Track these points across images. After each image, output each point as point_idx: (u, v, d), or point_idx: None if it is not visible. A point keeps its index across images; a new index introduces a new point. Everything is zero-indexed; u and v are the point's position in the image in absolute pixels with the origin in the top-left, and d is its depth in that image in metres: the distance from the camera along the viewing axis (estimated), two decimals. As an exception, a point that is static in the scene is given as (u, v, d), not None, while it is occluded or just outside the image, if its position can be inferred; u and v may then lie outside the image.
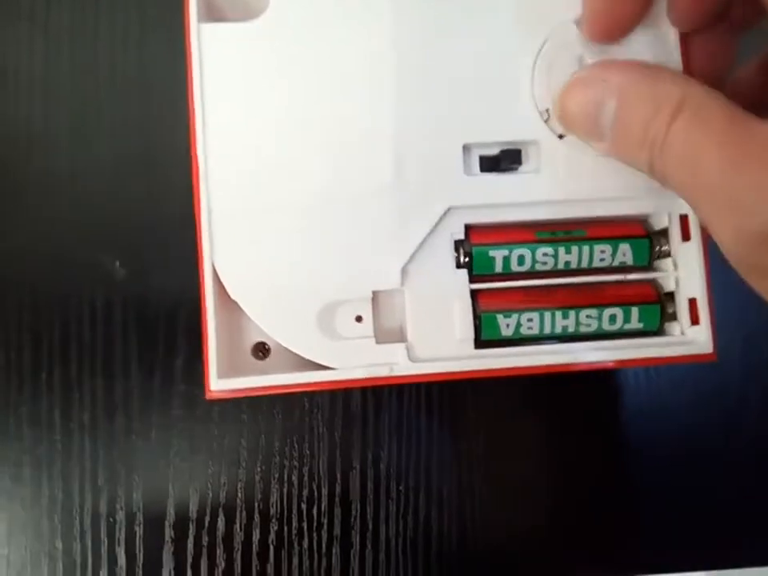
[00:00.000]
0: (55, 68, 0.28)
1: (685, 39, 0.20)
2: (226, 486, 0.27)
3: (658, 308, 0.21)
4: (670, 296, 0.21)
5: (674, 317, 0.21)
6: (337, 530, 0.28)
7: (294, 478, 0.28)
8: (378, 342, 0.20)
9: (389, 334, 0.21)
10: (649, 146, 0.17)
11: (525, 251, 0.20)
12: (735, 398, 0.28)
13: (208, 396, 0.19)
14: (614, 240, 0.21)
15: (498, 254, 0.20)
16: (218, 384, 0.19)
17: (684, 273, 0.21)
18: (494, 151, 0.21)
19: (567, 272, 0.21)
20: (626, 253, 0.21)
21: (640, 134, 0.17)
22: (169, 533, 0.27)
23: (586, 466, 0.28)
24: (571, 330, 0.20)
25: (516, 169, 0.20)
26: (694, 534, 0.28)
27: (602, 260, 0.21)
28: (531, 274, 0.21)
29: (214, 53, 0.20)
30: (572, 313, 0.20)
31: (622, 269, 0.21)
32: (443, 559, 0.28)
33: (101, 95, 0.28)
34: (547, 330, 0.20)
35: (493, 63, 0.20)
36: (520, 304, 0.20)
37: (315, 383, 0.19)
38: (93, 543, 0.27)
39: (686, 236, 0.20)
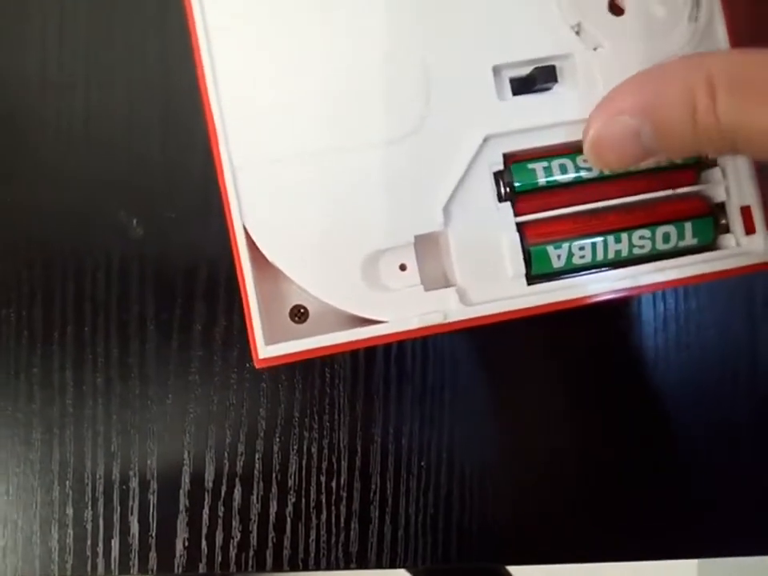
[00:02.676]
0: (72, 14, 0.27)
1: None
2: (243, 456, 0.26)
3: (711, 220, 0.20)
4: (721, 207, 0.20)
5: (726, 228, 0.20)
6: (356, 505, 0.27)
7: (314, 450, 0.27)
8: (426, 290, 0.19)
9: (436, 280, 0.20)
10: (707, 139, 0.16)
11: (565, 160, 0.19)
12: None
13: (257, 365, 0.18)
14: None
15: (537, 166, 0.19)
16: (267, 351, 0.18)
17: (734, 181, 0.20)
18: (524, 72, 0.20)
19: (614, 181, 0.20)
20: None
21: (691, 135, 0.16)
22: (183, 502, 0.26)
23: (617, 441, 0.27)
24: (624, 253, 0.20)
25: (551, 88, 0.19)
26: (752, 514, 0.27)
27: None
28: (577, 191, 0.20)
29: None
30: (624, 235, 0.20)
31: (670, 174, 0.20)
32: (463, 537, 0.27)
33: (118, 43, 0.27)
34: (600, 257, 0.19)
35: None
36: (569, 232, 0.19)
37: (368, 339, 0.18)
38: (105, 511, 0.26)
39: None
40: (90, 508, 0.26)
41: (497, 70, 0.19)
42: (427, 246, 0.20)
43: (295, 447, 0.27)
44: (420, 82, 0.19)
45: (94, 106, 0.26)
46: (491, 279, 0.19)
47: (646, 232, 0.20)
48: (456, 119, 0.19)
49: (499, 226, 0.19)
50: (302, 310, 0.20)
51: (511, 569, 0.57)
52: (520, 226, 0.19)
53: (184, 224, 0.26)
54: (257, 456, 0.26)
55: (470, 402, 0.27)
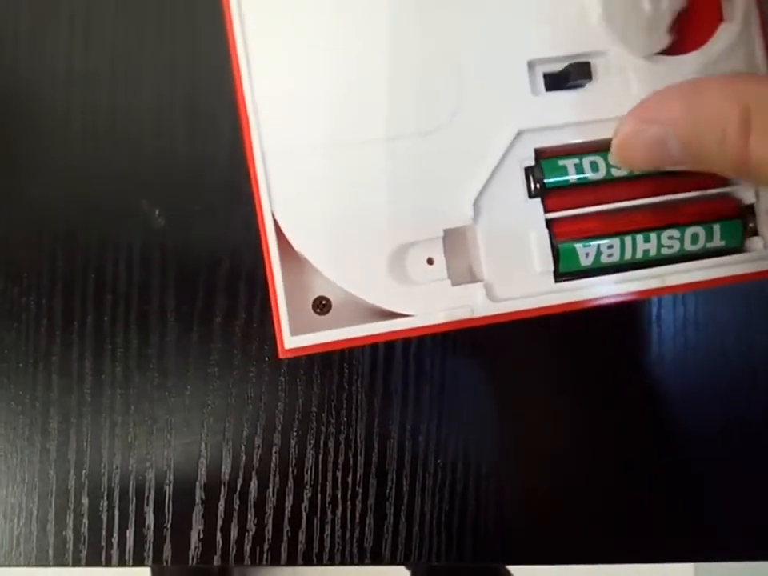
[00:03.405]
0: (99, 7, 0.27)
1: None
2: (260, 450, 0.26)
3: (740, 223, 0.20)
4: (750, 209, 0.20)
5: (755, 231, 0.20)
6: (371, 501, 0.27)
7: (331, 445, 0.27)
8: (453, 284, 0.19)
9: (463, 275, 0.20)
10: (733, 167, 0.16)
11: (596, 158, 0.19)
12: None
13: (282, 355, 0.18)
14: None
15: (568, 162, 0.19)
16: (292, 341, 0.18)
17: None
18: (558, 67, 0.19)
19: (644, 180, 0.20)
20: None
21: (719, 160, 0.17)
22: (199, 494, 0.26)
23: (633, 443, 0.27)
24: (653, 253, 0.20)
25: (584, 85, 0.19)
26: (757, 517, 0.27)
27: None
28: (607, 189, 0.20)
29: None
30: (653, 235, 0.19)
31: (700, 175, 0.20)
32: (478, 536, 0.27)
33: (145, 33, 0.26)
34: (628, 256, 0.19)
35: None
36: (598, 231, 0.19)
37: (394, 332, 0.18)
38: (120, 501, 0.26)
39: None
40: (105, 498, 0.26)
41: (531, 65, 0.19)
42: (455, 240, 0.20)
43: (312, 442, 0.27)
44: (453, 74, 0.19)
45: (120, 98, 0.26)
46: (519, 275, 0.19)
47: (675, 232, 0.20)
48: (488, 113, 0.19)
49: (528, 221, 0.19)
50: (323, 302, 0.20)
51: (512, 568, 0.57)
52: (549, 223, 0.19)
53: (207, 216, 0.26)
54: (274, 450, 0.26)
55: (487, 402, 0.27)
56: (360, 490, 0.27)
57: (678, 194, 0.20)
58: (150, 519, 0.26)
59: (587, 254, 0.19)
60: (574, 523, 0.27)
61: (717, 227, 0.20)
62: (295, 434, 0.26)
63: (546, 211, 0.19)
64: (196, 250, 0.26)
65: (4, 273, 0.26)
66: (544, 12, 0.19)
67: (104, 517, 0.26)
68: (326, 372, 0.27)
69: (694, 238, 0.20)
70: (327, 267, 0.19)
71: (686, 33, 0.19)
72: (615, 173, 0.19)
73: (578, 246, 0.19)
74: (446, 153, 0.19)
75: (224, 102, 0.24)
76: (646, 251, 0.20)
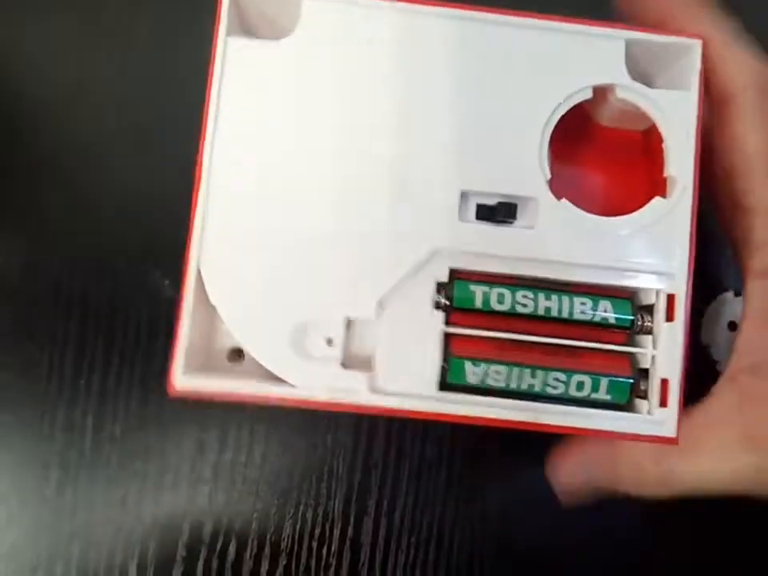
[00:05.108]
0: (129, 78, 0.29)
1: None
2: (242, 515, 0.28)
3: (630, 384, 0.20)
4: (645, 373, 0.21)
5: (644, 395, 0.20)
6: (344, 573, 0.28)
7: (309, 516, 0.28)
8: (345, 368, 0.20)
9: (357, 362, 0.21)
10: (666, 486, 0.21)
11: (505, 291, 0.20)
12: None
13: (170, 392, 0.19)
14: (596, 295, 0.21)
15: (477, 289, 0.20)
16: (182, 380, 0.19)
17: (662, 353, 0.20)
18: (492, 201, 0.21)
19: (547, 322, 0.21)
20: (606, 309, 0.21)
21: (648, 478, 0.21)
22: (180, 552, 0.28)
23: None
24: (537, 389, 0.20)
25: (511, 222, 0.21)
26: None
27: (582, 312, 0.21)
28: (510, 320, 0.21)
29: (237, 67, 0.20)
30: (541, 373, 0.20)
31: (603, 330, 0.21)
32: (445, 617, 0.28)
33: (150, 107, 0.29)
34: (513, 386, 0.20)
35: (505, 117, 0.20)
36: (491, 355, 0.20)
37: (275, 397, 0.19)
38: (107, 553, 0.28)
39: (670, 317, 0.20)
40: (93, 548, 0.28)
41: (465, 194, 0.20)
42: (357, 328, 0.21)
43: (291, 511, 0.28)
44: (392, 186, 0.20)
45: (131, 172, 0.29)
46: (407, 376, 0.20)
47: (562, 375, 0.20)
48: (417, 226, 0.20)
49: (428, 330, 0.20)
50: (241, 353, 0.22)
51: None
52: (447, 336, 0.20)
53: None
54: (254, 515, 0.28)
55: (464, 484, 0.28)
56: (333, 562, 0.28)
57: (575, 341, 0.20)
58: (133, 572, 0.27)
59: (475, 373, 0.20)
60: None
61: (605, 381, 0.20)
62: (275, 501, 0.28)
63: (448, 324, 0.20)
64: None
65: (21, 329, 0.28)
66: (488, 149, 0.20)
67: (90, 567, 0.27)
68: (309, 443, 0.28)
69: (580, 386, 0.20)
70: (234, 324, 0.20)
71: (621, 193, 0.21)
72: (519, 309, 0.21)
73: (468, 363, 0.20)
74: (365, 251, 0.20)
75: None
76: (531, 385, 0.20)
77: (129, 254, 0.29)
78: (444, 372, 0.20)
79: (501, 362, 0.20)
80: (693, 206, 0.20)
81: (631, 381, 0.20)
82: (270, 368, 0.20)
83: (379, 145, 0.20)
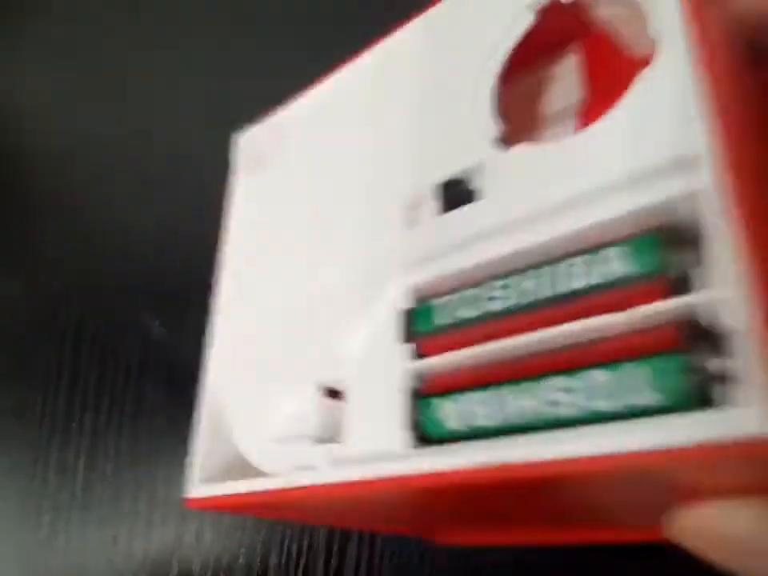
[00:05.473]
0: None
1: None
2: (229, 550, 0.29)
3: (687, 363, 0.11)
4: (710, 338, 0.11)
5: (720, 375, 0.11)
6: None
7: (293, 549, 0.29)
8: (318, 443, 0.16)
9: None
10: None
11: (471, 291, 0.14)
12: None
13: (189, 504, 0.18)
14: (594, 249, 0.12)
15: (438, 302, 0.15)
16: (200, 490, 0.17)
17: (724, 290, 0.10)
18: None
19: (536, 310, 0.13)
20: (609, 258, 0.12)
21: None
22: (171, 586, 0.28)
23: None
24: (540, 411, 0.12)
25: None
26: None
27: (580, 276, 0.12)
28: (488, 326, 0.14)
29: (240, 202, 0.21)
30: (534, 385, 0.13)
31: (620, 294, 0.12)
32: None
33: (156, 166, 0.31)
34: (501, 418, 0.13)
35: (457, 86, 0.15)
36: (467, 381, 0.14)
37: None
38: (98, 590, 0.28)
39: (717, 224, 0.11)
40: (83, 588, 0.28)
41: (416, 198, 0.16)
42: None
43: (277, 544, 0.29)
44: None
45: (131, 219, 0.31)
46: (372, 438, 0.15)
47: (570, 381, 0.12)
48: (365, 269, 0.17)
49: (391, 372, 0.15)
50: None
51: None
52: (417, 374, 0.15)
53: (202, 333, 0.30)
54: (241, 550, 0.29)
55: None
56: (320, 595, 0.29)
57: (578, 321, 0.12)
58: (124, 606, 0.28)
59: (456, 413, 0.14)
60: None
61: (644, 371, 0.11)
62: (261, 538, 0.29)
63: (416, 357, 0.15)
64: (188, 365, 0.30)
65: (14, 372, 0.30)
66: (439, 138, 0.16)
67: (82, 608, 0.28)
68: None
69: (600, 390, 0.12)
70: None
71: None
72: (492, 307, 0.14)
73: (442, 403, 0.14)
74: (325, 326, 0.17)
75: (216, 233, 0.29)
76: (527, 408, 0.13)
77: (126, 293, 0.30)
78: (419, 423, 0.14)
79: (481, 388, 0.13)
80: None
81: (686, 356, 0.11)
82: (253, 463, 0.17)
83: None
